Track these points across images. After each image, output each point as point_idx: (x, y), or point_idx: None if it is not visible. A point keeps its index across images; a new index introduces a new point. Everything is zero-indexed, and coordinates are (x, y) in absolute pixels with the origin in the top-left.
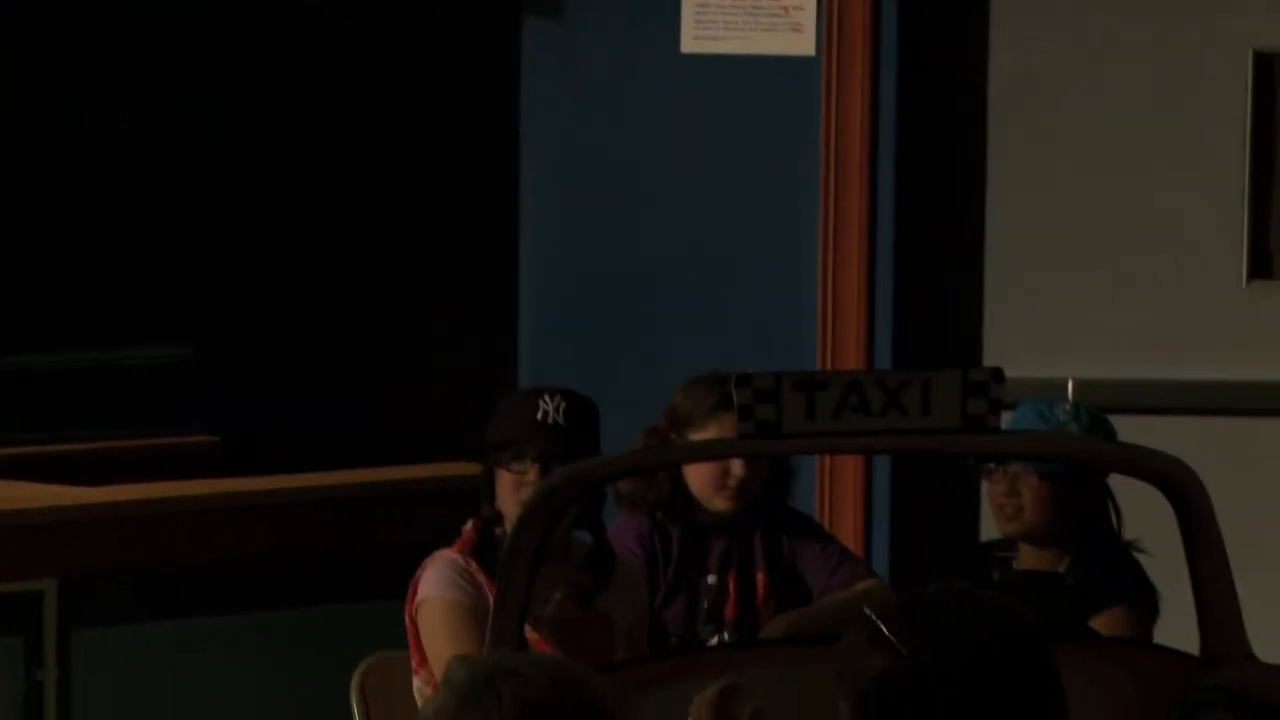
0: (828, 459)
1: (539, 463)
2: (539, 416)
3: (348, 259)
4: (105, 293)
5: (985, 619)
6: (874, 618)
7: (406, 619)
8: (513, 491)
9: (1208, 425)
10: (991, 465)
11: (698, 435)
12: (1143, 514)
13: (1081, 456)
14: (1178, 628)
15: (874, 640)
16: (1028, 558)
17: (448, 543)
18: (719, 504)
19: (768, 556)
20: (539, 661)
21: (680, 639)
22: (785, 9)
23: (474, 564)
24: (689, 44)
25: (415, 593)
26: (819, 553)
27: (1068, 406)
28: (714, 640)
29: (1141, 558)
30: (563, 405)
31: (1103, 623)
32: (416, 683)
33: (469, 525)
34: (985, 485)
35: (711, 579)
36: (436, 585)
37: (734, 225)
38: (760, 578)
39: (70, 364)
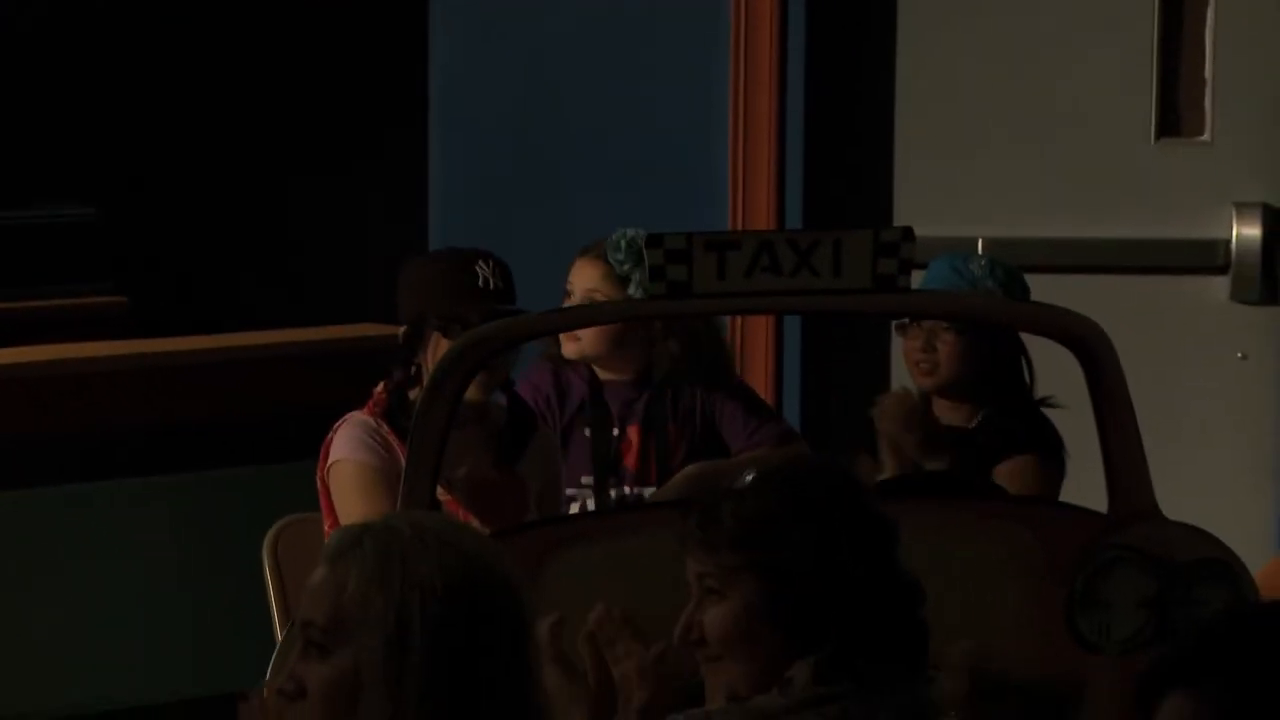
0: (739, 319)
1: None
2: (480, 284)
3: (256, 117)
4: (6, 150)
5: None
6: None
7: (318, 481)
8: None
9: (1116, 283)
10: (906, 320)
11: (571, 292)
12: (1052, 371)
13: (991, 316)
14: (1086, 486)
15: (802, 514)
16: (942, 412)
17: (359, 405)
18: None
19: (679, 412)
20: (416, 519)
21: (580, 490)
22: None
23: (385, 426)
24: None
25: (327, 455)
26: (739, 412)
27: (983, 261)
28: (613, 492)
29: (1053, 416)
30: (497, 269)
31: (1008, 470)
32: None
33: (379, 387)
34: (900, 340)
35: (614, 431)
36: (348, 447)
37: (646, 86)
38: (671, 429)
39: None
